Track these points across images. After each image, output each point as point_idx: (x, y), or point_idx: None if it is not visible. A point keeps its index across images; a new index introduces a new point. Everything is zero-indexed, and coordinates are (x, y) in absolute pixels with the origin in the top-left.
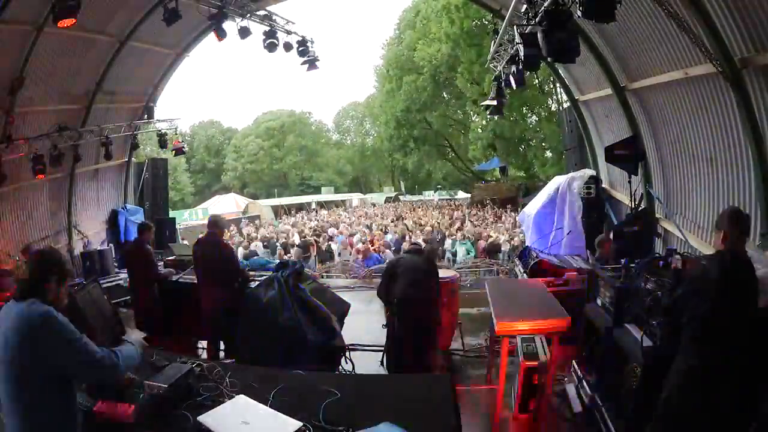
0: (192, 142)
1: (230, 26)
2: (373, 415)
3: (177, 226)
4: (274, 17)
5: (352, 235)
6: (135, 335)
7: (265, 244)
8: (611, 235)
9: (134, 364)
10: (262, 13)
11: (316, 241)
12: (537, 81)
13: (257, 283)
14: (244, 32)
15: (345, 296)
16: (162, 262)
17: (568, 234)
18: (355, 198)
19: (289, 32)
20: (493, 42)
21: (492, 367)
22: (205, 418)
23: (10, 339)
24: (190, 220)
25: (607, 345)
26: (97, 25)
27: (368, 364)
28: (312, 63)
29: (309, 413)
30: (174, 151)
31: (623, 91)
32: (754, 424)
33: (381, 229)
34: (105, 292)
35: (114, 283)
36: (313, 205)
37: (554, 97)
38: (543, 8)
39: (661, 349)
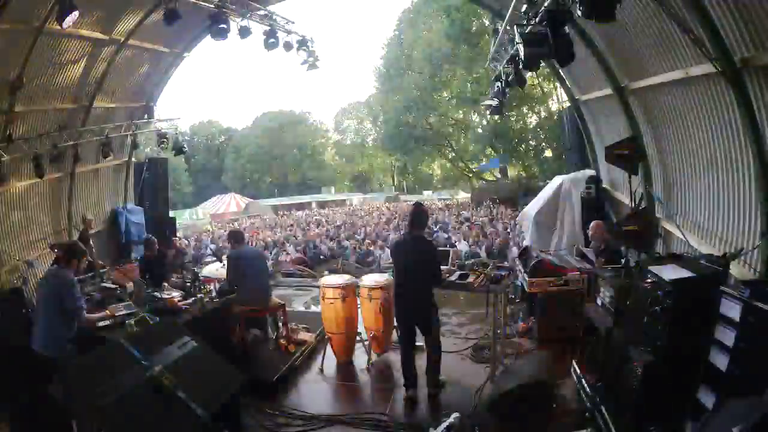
0: (192, 142)
1: (230, 26)
2: None
3: (177, 226)
4: (274, 17)
5: None
6: None
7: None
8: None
9: None
10: (262, 12)
11: None
12: (537, 81)
13: None
14: (244, 32)
15: None
16: None
17: (567, 234)
18: (355, 198)
19: (289, 32)
20: (493, 42)
21: None
22: None
23: None
24: (190, 220)
25: (607, 345)
26: (98, 25)
27: None
28: (312, 63)
29: None
30: (174, 151)
31: (623, 91)
32: None
33: None
34: None
35: None
36: (313, 205)
37: (554, 97)
38: (543, 8)
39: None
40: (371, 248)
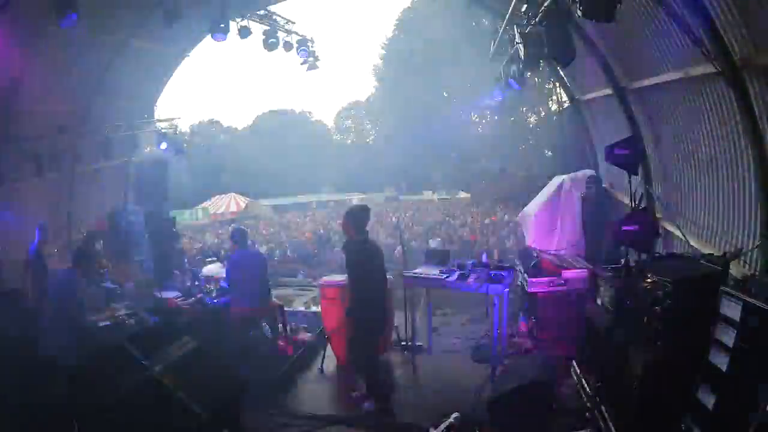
0: (192, 142)
1: (230, 26)
2: None
3: (177, 226)
4: (274, 17)
5: None
6: None
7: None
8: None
9: None
10: (262, 12)
11: None
12: (537, 81)
13: None
14: (244, 32)
15: None
16: None
17: (567, 234)
18: (355, 198)
19: (289, 32)
20: (493, 42)
21: None
22: None
23: None
24: (190, 220)
25: (607, 345)
26: (98, 25)
27: None
28: (312, 63)
29: None
30: (174, 151)
31: (623, 91)
32: None
33: None
34: None
35: None
36: (313, 205)
37: (554, 97)
38: (543, 8)
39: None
40: None
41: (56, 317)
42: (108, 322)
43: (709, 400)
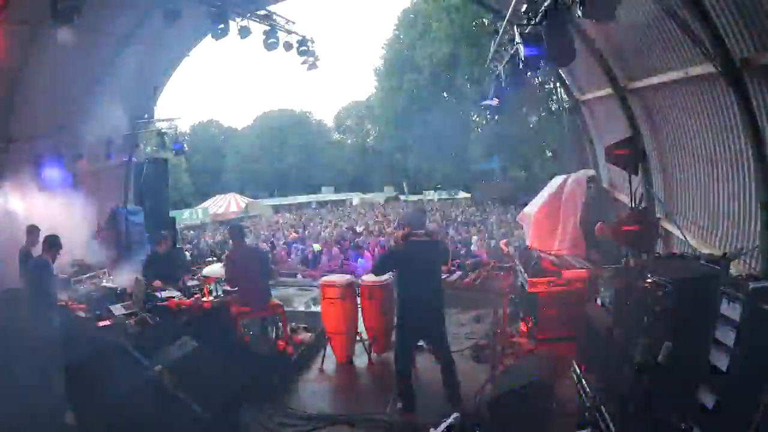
0: (192, 142)
1: (230, 26)
2: None
3: (177, 226)
4: (274, 17)
5: None
6: None
7: None
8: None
9: None
10: (262, 12)
11: None
12: (537, 81)
13: None
14: (244, 32)
15: None
16: None
17: (567, 234)
18: (355, 198)
19: (289, 32)
20: (493, 42)
21: None
22: None
23: None
24: (190, 220)
25: (607, 345)
26: (98, 25)
27: None
28: (312, 63)
29: None
30: (174, 151)
31: (623, 91)
32: None
33: None
34: None
35: None
36: (313, 205)
37: (554, 97)
38: (543, 8)
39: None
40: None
41: (36, 299)
42: (108, 322)
43: (709, 400)
